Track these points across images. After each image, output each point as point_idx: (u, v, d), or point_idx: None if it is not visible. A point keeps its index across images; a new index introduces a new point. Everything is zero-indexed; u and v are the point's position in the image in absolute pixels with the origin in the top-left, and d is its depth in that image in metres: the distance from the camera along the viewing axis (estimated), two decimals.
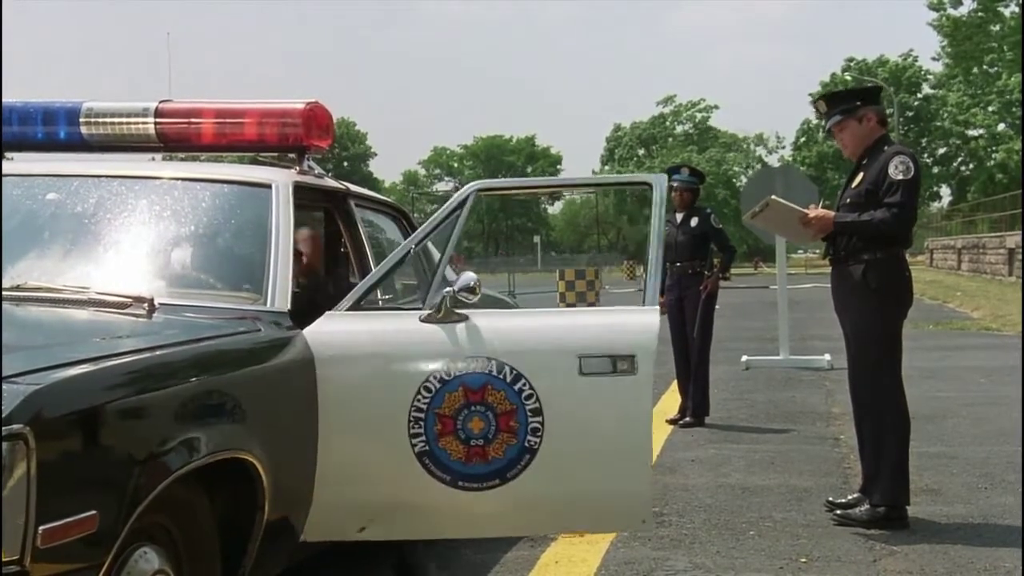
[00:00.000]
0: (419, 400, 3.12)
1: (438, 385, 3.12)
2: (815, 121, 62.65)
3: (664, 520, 4.62)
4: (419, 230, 3.36)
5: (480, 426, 3.14)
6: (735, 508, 4.83)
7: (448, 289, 3.18)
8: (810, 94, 52.08)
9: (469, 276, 3.19)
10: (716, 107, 73.66)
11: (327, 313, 3.25)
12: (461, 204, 3.34)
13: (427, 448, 3.13)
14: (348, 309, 3.25)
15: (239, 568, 2.85)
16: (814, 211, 4.70)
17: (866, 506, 4.56)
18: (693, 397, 7.26)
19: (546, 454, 3.15)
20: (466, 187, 3.40)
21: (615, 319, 3.36)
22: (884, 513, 4.49)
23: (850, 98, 4.75)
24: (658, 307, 3.30)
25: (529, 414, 3.14)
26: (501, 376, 3.13)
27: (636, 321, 3.25)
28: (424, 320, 3.20)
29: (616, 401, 3.19)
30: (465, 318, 3.19)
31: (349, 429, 3.15)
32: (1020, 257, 24.08)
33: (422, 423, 3.12)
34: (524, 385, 3.13)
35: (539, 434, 3.14)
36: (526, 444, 3.15)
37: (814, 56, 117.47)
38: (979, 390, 8.56)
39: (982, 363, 10.32)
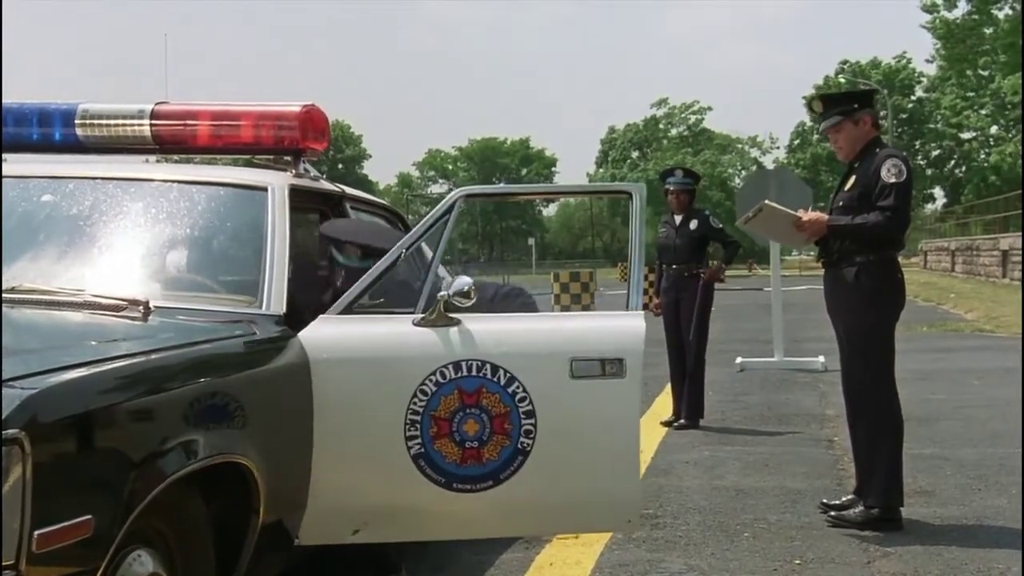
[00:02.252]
0: (415, 403, 3.14)
1: (434, 388, 3.14)
2: (809, 123, 62.77)
3: (658, 522, 4.63)
4: (409, 234, 3.38)
5: (475, 428, 3.16)
6: (729, 510, 4.84)
7: (443, 293, 3.19)
8: (803, 97, 52.10)
9: (464, 280, 3.20)
10: (710, 108, 73.66)
11: (320, 317, 3.25)
12: (449, 209, 3.36)
13: (423, 450, 3.15)
14: (341, 312, 3.26)
15: (234, 571, 2.85)
16: (807, 215, 4.72)
17: (860, 508, 4.57)
18: (688, 399, 7.26)
19: (538, 456, 3.19)
20: (453, 192, 3.42)
21: (604, 323, 3.44)
22: (878, 515, 4.50)
23: (847, 100, 4.76)
24: (642, 312, 3.34)
25: (522, 416, 3.17)
26: (495, 379, 3.16)
27: (624, 325, 3.31)
28: (417, 324, 3.21)
29: (605, 403, 3.24)
30: (458, 322, 3.21)
31: (344, 432, 3.15)
32: (1016, 259, 24.12)
33: (418, 426, 3.14)
34: (518, 388, 3.17)
35: (532, 436, 3.18)
36: (519, 446, 3.18)
37: (808, 58, 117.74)
38: (973, 392, 8.58)
39: (976, 365, 10.34)
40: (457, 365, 3.16)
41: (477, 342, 3.20)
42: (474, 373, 3.16)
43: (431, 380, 3.14)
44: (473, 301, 3.19)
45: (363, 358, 3.21)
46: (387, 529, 3.28)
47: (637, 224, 3.48)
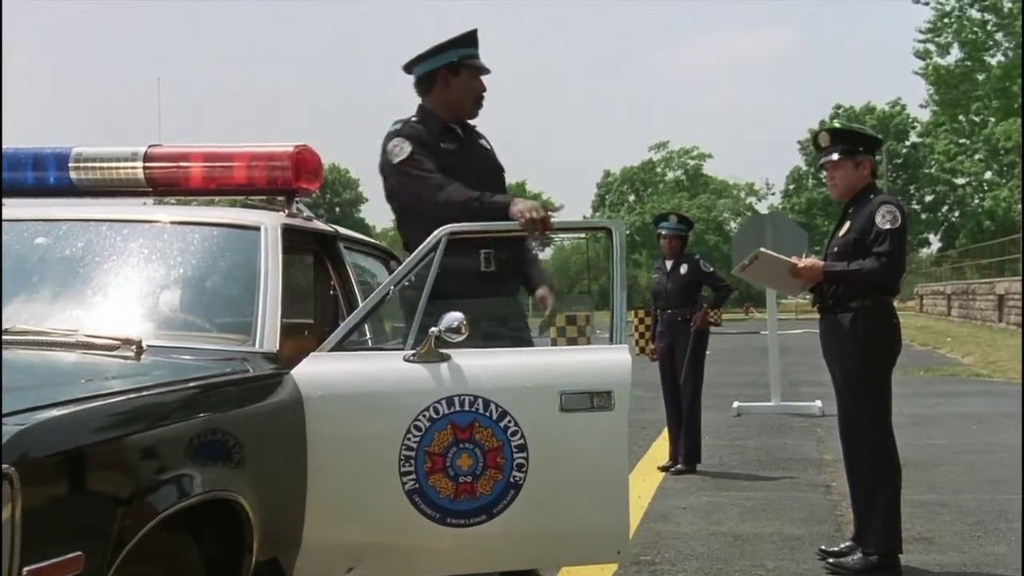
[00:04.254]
0: (409, 439, 3.14)
1: (428, 424, 3.14)
2: (804, 167, 63.14)
3: (656, 568, 4.58)
4: (395, 272, 3.38)
5: (468, 463, 3.17)
6: (727, 556, 4.79)
7: (434, 329, 3.19)
8: (800, 140, 52.45)
9: (454, 316, 3.19)
10: (710, 156, 74.02)
11: (312, 354, 3.25)
12: (434, 247, 3.37)
13: (417, 486, 3.14)
14: (332, 350, 3.26)
15: None
16: (803, 261, 4.72)
17: (859, 554, 4.53)
18: (685, 443, 7.22)
19: (530, 489, 3.20)
20: (437, 231, 3.42)
21: (591, 357, 3.45)
22: (877, 561, 4.46)
23: (855, 140, 4.77)
24: (627, 345, 3.37)
25: (515, 450, 3.19)
26: (487, 413, 3.18)
27: (611, 358, 3.33)
28: (408, 360, 3.22)
29: (595, 435, 3.27)
30: (448, 357, 3.21)
31: (338, 469, 3.14)
32: (1012, 303, 24.14)
33: (412, 461, 3.13)
34: (509, 422, 3.19)
35: (524, 469, 3.20)
36: (511, 479, 3.20)
37: (802, 103, 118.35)
38: (971, 437, 8.54)
39: (973, 410, 10.31)
40: (450, 400, 3.17)
41: (468, 377, 3.21)
42: (466, 408, 3.17)
43: (424, 415, 3.15)
44: (464, 336, 3.19)
45: (356, 394, 3.21)
46: (382, 566, 3.26)
47: (617, 260, 3.49)
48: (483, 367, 3.26)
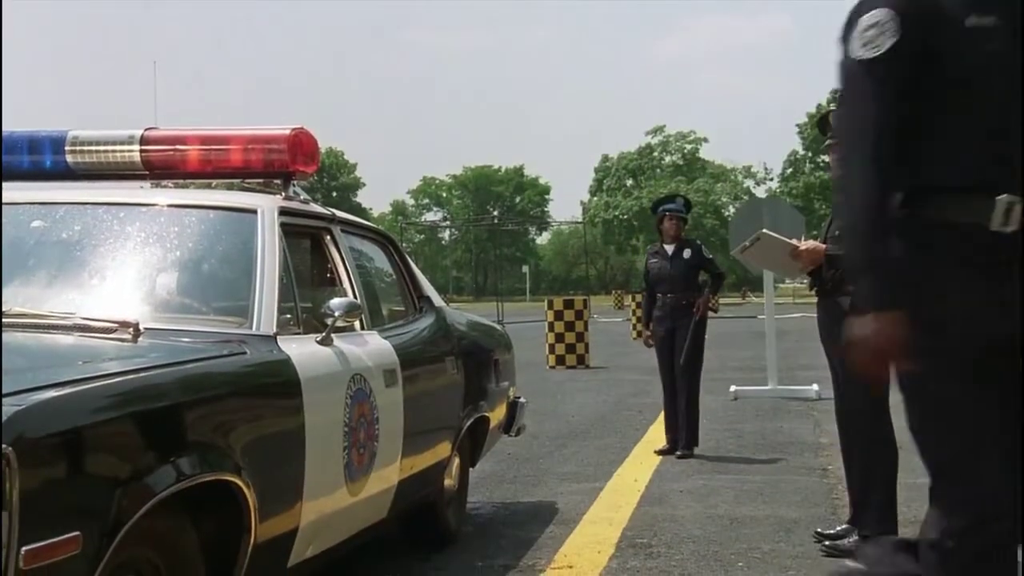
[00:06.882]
0: (346, 415, 3.42)
1: (349, 401, 3.44)
2: (802, 151, 63.11)
3: (653, 551, 4.59)
4: None
5: (363, 436, 3.53)
6: (724, 539, 4.80)
7: (337, 313, 3.46)
8: (798, 123, 52.34)
9: (346, 301, 3.53)
10: (706, 140, 73.95)
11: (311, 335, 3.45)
12: None
13: (348, 460, 3.42)
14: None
15: None
16: (804, 244, 4.72)
17: (855, 537, 4.54)
18: (687, 428, 7.21)
19: (378, 455, 3.65)
20: None
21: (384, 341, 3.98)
22: None
23: None
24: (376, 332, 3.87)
25: (376, 422, 3.61)
26: (367, 390, 3.58)
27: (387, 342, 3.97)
28: (320, 343, 3.46)
29: (394, 406, 3.80)
30: (331, 341, 3.49)
31: (324, 448, 3.29)
32: None
33: (348, 436, 3.43)
34: (374, 397, 3.62)
35: (377, 438, 3.62)
36: (374, 448, 3.61)
37: (799, 87, 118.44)
38: None
39: None
40: (354, 378, 3.51)
41: (357, 357, 3.60)
42: (362, 387, 3.56)
43: (348, 393, 3.45)
44: (357, 319, 3.63)
45: (331, 375, 3.42)
46: (324, 540, 3.42)
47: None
48: (363, 349, 3.68)
